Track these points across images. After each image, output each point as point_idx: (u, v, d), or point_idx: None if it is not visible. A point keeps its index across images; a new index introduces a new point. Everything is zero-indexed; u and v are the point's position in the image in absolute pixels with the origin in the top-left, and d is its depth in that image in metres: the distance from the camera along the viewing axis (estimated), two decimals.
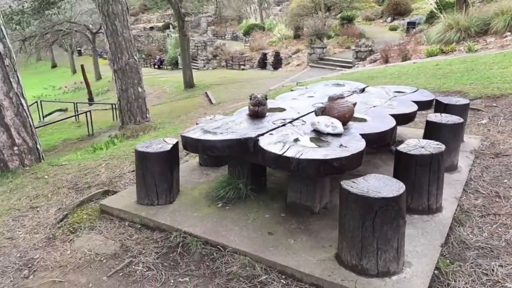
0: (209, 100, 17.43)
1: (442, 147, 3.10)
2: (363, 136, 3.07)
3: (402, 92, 4.73)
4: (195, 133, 3.12)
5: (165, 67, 31.19)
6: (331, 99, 3.25)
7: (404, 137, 4.94)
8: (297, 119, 3.52)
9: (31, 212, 3.75)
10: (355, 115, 3.61)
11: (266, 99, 3.60)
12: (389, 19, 29.82)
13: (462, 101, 4.71)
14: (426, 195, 3.07)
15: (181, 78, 21.47)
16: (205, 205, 3.28)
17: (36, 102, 17.63)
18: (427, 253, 2.62)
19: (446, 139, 3.82)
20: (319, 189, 3.11)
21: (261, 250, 2.68)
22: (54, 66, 36.72)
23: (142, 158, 3.24)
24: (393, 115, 3.64)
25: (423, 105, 4.49)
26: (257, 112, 3.54)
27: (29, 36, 24.19)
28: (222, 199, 3.32)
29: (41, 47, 25.61)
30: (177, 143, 3.38)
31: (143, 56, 33.96)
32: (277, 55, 26.40)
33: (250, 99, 3.57)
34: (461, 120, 3.92)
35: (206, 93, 18.91)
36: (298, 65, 25.33)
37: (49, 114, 18.44)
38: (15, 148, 5.17)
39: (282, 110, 3.93)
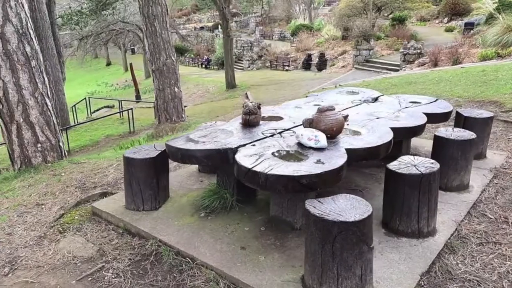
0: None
1: (436, 166, 2.87)
2: (350, 151, 2.91)
3: (417, 102, 4.46)
4: (178, 142, 3.12)
5: (212, 66, 31.75)
6: (320, 111, 3.11)
7: (421, 150, 4.67)
8: (288, 129, 3.41)
9: (36, 209, 3.94)
10: (352, 127, 3.46)
11: (259, 108, 3.53)
12: (445, 19, 28.34)
13: (485, 114, 4.35)
14: (415, 218, 2.86)
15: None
16: (188, 214, 3.28)
17: (85, 98, 18.66)
18: (402, 281, 2.44)
19: (454, 156, 3.56)
20: (302, 204, 2.99)
21: (228, 265, 2.62)
22: (108, 63, 38.69)
23: (128, 163, 3.29)
24: (394, 128, 3.43)
25: (438, 118, 4.21)
26: (249, 121, 3.47)
27: (85, 35, 25.62)
28: (206, 209, 3.29)
29: (96, 46, 27.01)
30: (165, 150, 3.39)
31: (192, 55, 34.78)
32: (322, 56, 25.99)
33: (243, 107, 3.51)
34: (473, 136, 3.61)
35: (246, 93, 19.01)
36: (343, 66, 24.77)
37: (97, 110, 19.44)
38: (39, 145, 5.47)
39: (280, 119, 3.84)
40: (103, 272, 2.73)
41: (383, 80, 13.03)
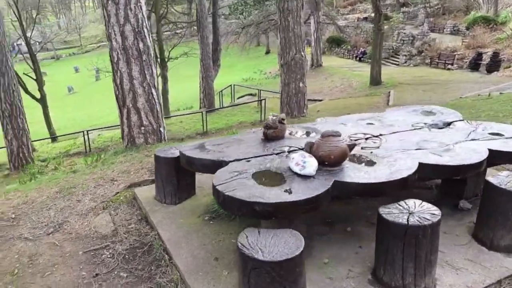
0: (388, 100, 16.47)
1: (433, 219, 2.43)
2: (341, 184, 2.70)
3: (499, 134, 3.69)
4: (189, 147, 3.36)
5: (366, 59, 30.57)
6: (322, 135, 2.93)
7: None
8: (299, 149, 3.29)
9: (109, 184, 4.72)
10: (373, 156, 3.14)
11: (281, 122, 3.48)
12: None
13: None
14: (399, 271, 2.50)
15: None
16: (196, 214, 3.51)
17: (230, 85, 20.35)
18: None
19: (504, 208, 2.91)
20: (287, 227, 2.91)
21: (191, 272, 2.78)
22: (267, 52, 40.85)
23: (156, 160, 3.70)
24: (425, 165, 2.98)
25: None
26: (267, 135, 3.48)
27: (247, 25, 27.71)
28: (213, 213, 3.47)
29: (255, 34, 28.86)
30: None
31: (348, 47, 34.07)
32: (495, 55, 22.37)
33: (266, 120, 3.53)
34: None
35: (389, 92, 17.89)
36: None
37: (241, 97, 20.98)
38: (142, 128, 6.42)
39: (309, 135, 3.71)
40: (104, 250, 3.21)
41: None
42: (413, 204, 2.63)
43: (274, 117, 3.47)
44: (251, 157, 3.12)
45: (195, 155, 3.19)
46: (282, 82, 12.45)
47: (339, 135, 2.93)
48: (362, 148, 3.30)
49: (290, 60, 11.93)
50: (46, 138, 18.42)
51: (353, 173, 2.83)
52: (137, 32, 6.16)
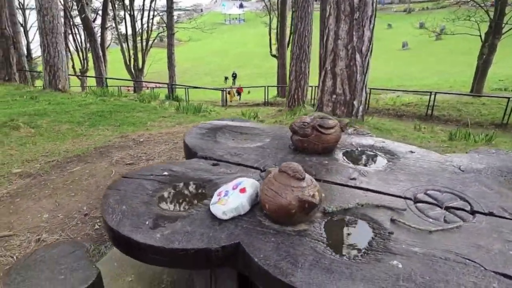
0: None
1: None
2: (244, 255, 1.57)
3: None
4: (210, 125, 2.72)
5: None
6: (280, 169, 1.69)
7: None
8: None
9: None
10: (382, 252, 1.62)
11: (317, 129, 2.23)
12: None
13: None
14: None
15: None
16: None
17: None
18: None
19: None
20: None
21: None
22: None
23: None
24: None
25: None
26: (292, 140, 2.34)
27: None
28: None
29: None
30: None
31: None
32: None
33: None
34: None
35: None
36: None
37: None
38: (333, 96, 5.64)
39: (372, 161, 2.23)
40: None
41: None
42: None
43: (301, 121, 2.26)
44: (229, 162, 2.22)
45: (191, 137, 2.57)
46: None
47: (300, 178, 1.61)
48: (392, 219, 1.71)
49: None
50: None
51: (283, 250, 1.54)
52: None
